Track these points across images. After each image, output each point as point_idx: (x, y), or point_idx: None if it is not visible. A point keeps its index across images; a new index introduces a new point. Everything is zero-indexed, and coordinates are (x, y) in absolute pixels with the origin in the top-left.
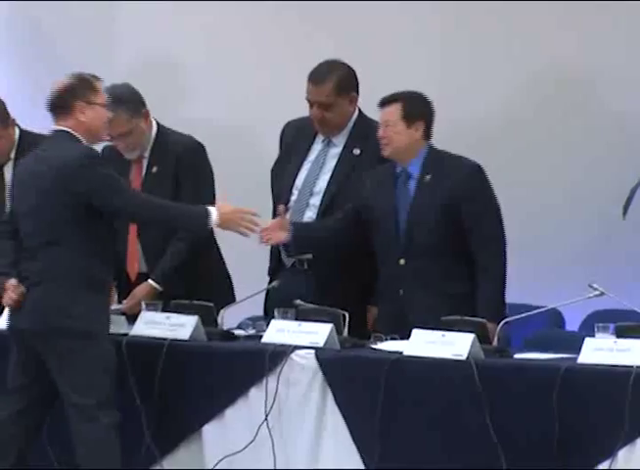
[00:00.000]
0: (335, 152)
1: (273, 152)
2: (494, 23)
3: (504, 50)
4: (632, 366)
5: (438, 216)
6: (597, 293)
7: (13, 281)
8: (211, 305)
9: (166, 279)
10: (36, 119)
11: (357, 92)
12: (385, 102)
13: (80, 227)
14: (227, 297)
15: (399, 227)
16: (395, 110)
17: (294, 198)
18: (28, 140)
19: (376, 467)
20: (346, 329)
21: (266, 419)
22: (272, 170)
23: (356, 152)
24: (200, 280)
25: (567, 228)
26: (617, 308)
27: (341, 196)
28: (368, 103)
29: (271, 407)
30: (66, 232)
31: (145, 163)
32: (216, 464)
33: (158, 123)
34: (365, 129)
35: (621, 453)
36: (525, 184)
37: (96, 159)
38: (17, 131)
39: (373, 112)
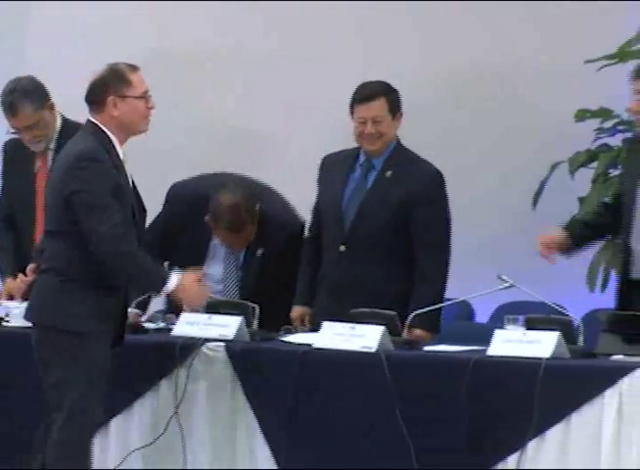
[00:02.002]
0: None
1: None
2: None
3: (421, 45)
4: (541, 358)
5: (389, 213)
6: (506, 285)
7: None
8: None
9: None
10: None
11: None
12: (369, 97)
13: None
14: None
15: (346, 214)
16: (382, 104)
17: None
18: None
19: (285, 459)
20: (256, 322)
21: (176, 412)
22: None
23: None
24: None
25: (477, 221)
26: (526, 300)
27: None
28: (291, 84)
29: (181, 400)
30: (64, 223)
31: (50, 154)
32: (125, 457)
33: (62, 116)
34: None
35: (531, 445)
36: None
37: (90, 161)
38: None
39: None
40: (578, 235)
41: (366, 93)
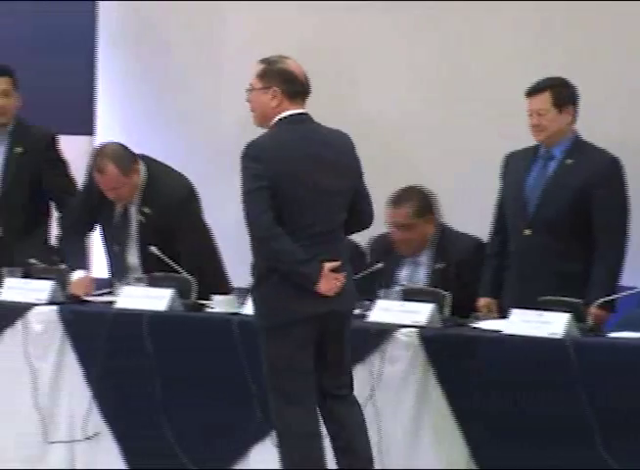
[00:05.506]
0: None
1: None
2: None
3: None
4: None
5: (571, 197)
6: None
7: (331, 265)
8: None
9: None
10: (152, 118)
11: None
12: (535, 91)
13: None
14: None
15: (530, 200)
16: (546, 98)
17: None
18: (156, 180)
19: (475, 443)
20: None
21: (371, 396)
22: None
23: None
24: None
25: None
26: None
27: None
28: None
29: (375, 384)
30: (343, 216)
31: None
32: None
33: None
34: None
35: None
36: None
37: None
38: (143, 171)
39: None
40: None
41: (533, 87)
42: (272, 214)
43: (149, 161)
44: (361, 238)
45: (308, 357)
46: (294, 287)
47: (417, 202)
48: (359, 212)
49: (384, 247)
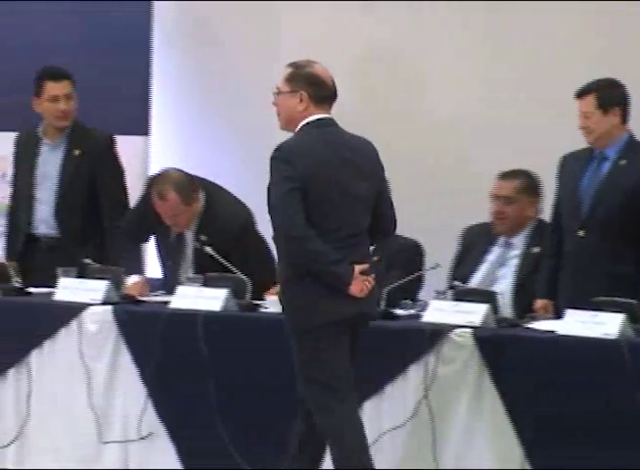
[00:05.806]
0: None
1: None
2: None
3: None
4: None
5: (624, 197)
6: None
7: (361, 267)
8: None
9: None
10: (207, 118)
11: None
12: (581, 93)
13: None
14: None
15: (584, 201)
16: (591, 100)
17: None
18: (213, 208)
19: (529, 443)
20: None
21: (426, 396)
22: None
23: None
24: None
25: None
26: None
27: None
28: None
29: (430, 385)
30: (368, 220)
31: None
32: (377, 439)
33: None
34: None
35: None
36: None
37: None
38: (202, 198)
39: None
40: None
41: (580, 90)
42: (304, 216)
43: (208, 186)
44: (424, 238)
45: (344, 357)
46: (325, 288)
47: (525, 180)
48: (382, 217)
49: (474, 233)
